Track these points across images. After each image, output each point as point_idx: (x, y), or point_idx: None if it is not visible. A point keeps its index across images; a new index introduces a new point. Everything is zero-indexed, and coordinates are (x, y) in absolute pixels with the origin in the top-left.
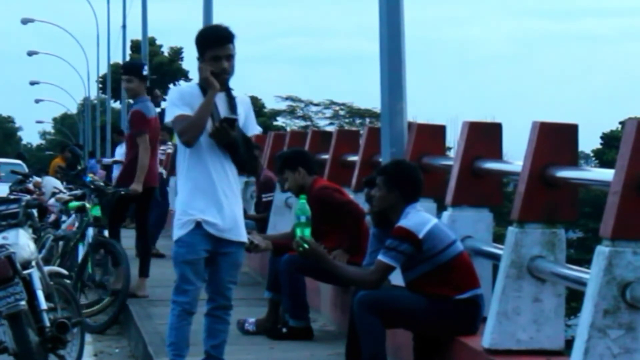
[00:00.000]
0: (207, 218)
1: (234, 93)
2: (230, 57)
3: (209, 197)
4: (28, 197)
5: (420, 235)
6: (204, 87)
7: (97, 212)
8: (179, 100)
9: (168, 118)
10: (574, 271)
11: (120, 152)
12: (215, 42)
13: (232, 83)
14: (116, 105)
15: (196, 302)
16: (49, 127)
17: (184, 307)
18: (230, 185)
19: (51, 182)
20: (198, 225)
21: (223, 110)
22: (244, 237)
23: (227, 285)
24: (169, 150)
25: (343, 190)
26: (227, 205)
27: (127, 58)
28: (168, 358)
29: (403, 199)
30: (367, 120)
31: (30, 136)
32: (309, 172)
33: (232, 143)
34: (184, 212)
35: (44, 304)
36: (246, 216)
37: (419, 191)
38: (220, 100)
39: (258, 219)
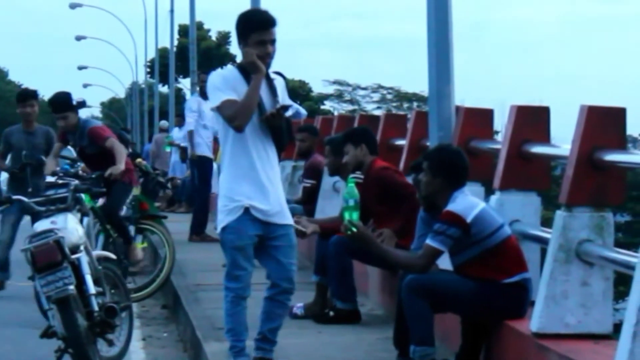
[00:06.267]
0: (254, 203)
1: (271, 74)
2: (273, 42)
3: (254, 183)
4: (76, 181)
5: (468, 220)
6: (246, 70)
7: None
8: (224, 85)
9: (213, 103)
10: (622, 255)
11: (179, 136)
12: (260, 26)
13: (282, 67)
14: (164, 89)
15: (249, 286)
16: (96, 112)
17: (237, 293)
18: (273, 170)
19: None
20: (246, 210)
21: (265, 95)
22: (290, 219)
23: (290, 267)
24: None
25: (402, 173)
26: (272, 189)
27: (175, 42)
28: (228, 344)
29: (449, 185)
30: (415, 104)
31: None
32: (371, 151)
33: (280, 128)
34: (230, 198)
35: (92, 289)
36: (294, 201)
37: (465, 176)
38: (262, 84)
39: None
